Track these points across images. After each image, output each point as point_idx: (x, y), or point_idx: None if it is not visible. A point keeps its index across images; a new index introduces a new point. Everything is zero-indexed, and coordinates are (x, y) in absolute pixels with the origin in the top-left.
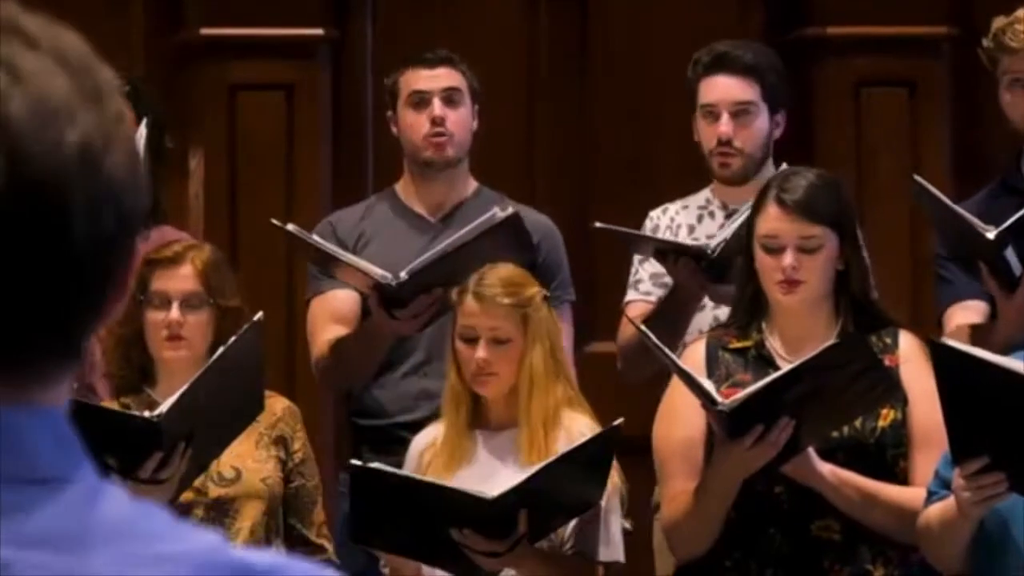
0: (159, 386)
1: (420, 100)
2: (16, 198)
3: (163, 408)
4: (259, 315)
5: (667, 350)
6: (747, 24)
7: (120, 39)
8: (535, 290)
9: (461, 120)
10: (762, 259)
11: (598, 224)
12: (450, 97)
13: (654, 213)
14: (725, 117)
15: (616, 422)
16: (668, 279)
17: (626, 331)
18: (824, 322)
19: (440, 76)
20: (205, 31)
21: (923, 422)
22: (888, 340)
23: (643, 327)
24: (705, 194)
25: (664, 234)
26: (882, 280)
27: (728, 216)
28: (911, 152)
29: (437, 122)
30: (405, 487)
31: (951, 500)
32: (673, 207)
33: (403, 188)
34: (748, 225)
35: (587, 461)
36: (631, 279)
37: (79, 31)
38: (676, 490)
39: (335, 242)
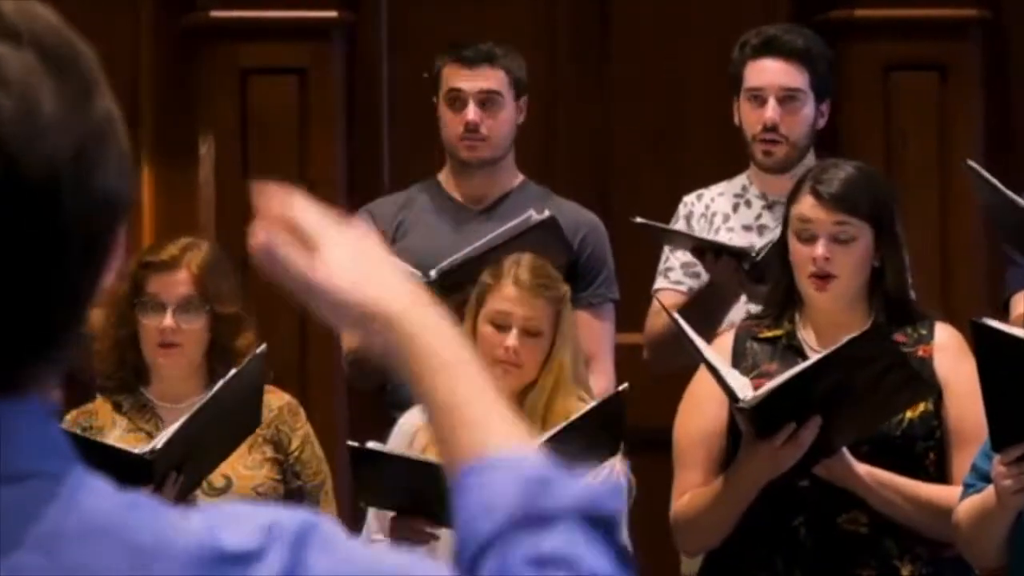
0: (153, 386)
1: (456, 99)
2: (10, 210)
3: (158, 443)
4: (262, 348)
5: (697, 341)
6: (774, 6)
7: (129, 21)
8: (567, 288)
9: (498, 123)
10: (795, 248)
11: (639, 219)
12: (487, 100)
13: (688, 199)
14: (772, 102)
15: (621, 387)
16: (700, 269)
17: (654, 322)
18: (858, 317)
19: (478, 77)
20: (215, 13)
21: (960, 417)
22: (923, 331)
23: (676, 315)
24: (742, 180)
25: (699, 221)
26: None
27: (767, 206)
28: (941, 137)
29: (471, 127)
30: (404, 467)
31: (989, 491)
32: (708, 193)
33: (445, 177)
34: (784, 215)
35: (597, 428)
36: (661, 266)
37: (87, 14)
38: (688, 483)
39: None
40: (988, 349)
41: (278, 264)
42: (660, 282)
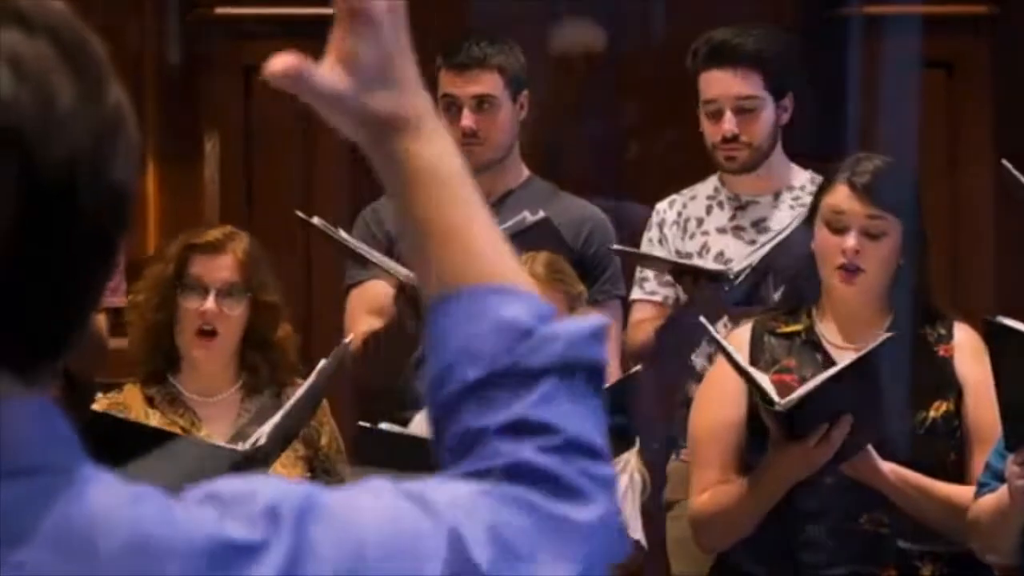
0: (184, 377)
1: (450, 105)
2: (29, 205)
3: (260, 439)
4: (349, 338)
5: (728, 345)
6: (783, 3)
7: (133, 18)
8: (583, 287)
9: (496, 126)
10: (824, 239)
11: (615, 247)
12: (481, 104)
13: (660, 206)
14: (728, 114)
15: (634, 369)
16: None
17: (635, 334)
18: (879, 313)
19: (470, 82)
20: (220, 10)
21: (979, 417)
22: (943, 331)
23: (704, 320)
24: (713, 182)
25: (671, 228)
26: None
27: (740, 207)
28: (949, 134)
29: (467, 133)
30: (416, 447)
31: (1003, 490)
32: (680, 199)
33: None
34: (811, 205)
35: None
36: (636, 276)
37: (91, 11)
38: (708, 479)
39: (379, 230)
40: (1002, 347)
41: (303, 82)
42: (635, 292)
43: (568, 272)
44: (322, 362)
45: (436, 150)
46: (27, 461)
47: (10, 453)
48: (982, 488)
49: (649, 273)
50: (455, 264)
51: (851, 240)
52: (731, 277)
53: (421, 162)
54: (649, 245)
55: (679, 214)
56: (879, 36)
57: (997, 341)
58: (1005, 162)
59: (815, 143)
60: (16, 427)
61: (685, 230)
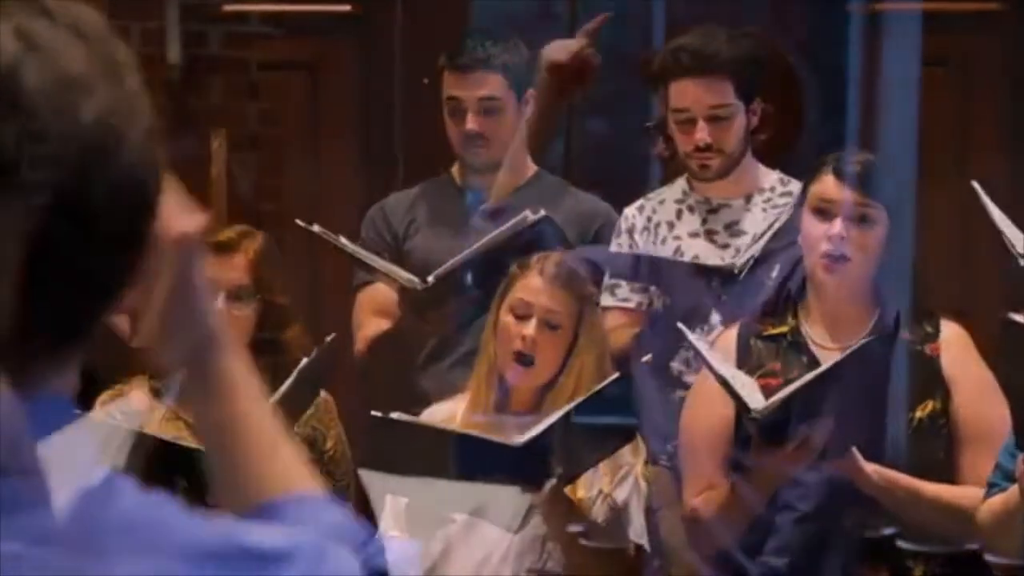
0: None
1: (456, 109)
2: (33, 173)
3: None
4: (332, 336)
5: (705, 350)
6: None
7: (139, 17)
8: (594, 289)
9: (501, 127)
10: (810, 227)
11: (611, 250)
12: (486, 106)
13: (628, 212)
14: (701, 124)
15: (644, 358)
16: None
17: (613, 342)
18: (864, 311)
19: (474, 84)
20: (227, 7)
21: (968, 416)
22: (929, 329)
23: (681, 325)
24: (681, 186)
25: (642, 234)
26: (926, 265)
27: (712, 211)
28: (956, 131)
29: (471, 135)
30: (430, 436)
31: (1013, 490)
32: (649, 204)
33: (459, 172)
34: (800, 198)
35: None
36: (606, 281)
37: (97, 7)
38: (700, 483)
39: (385, 229)
40: (1016, 345)
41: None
42: (606, 299)
43: (580, 273)
44: (304, 359)
45: (241, 365)
46: (37, 459)
47: (22, 450)
48: (992, 488)
49: (620, 279)
50: (283, 473)
51: (837, 226)
52: (735, 272)
53: (239, 378)
54: (619, 251)
55: (648, 219)
56: (885, 33)
57: (1013, 340)
58: (975, 183)
59: (818, 141)
60: (29, 424)
61: (656, 235)
